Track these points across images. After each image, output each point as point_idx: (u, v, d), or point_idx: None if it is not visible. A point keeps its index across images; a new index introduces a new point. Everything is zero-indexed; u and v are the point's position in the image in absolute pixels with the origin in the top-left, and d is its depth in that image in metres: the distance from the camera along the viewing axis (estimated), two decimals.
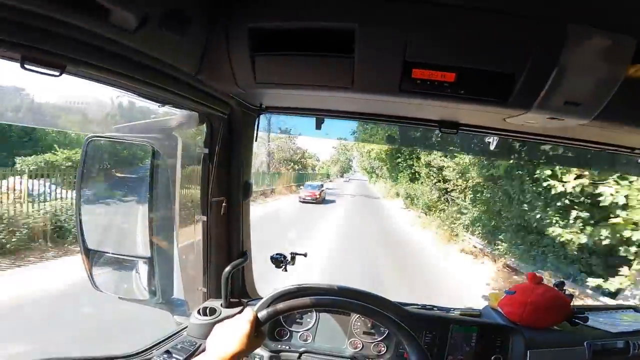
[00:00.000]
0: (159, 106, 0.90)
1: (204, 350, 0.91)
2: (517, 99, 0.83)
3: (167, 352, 1.13)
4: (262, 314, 0.95)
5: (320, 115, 1.22)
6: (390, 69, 0.82)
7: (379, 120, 1.20)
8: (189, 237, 1.22)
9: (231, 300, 1.32)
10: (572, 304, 1.36)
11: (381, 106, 1.10)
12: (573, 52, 0.75)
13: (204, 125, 1.13)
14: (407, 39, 0.78)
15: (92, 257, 1.09)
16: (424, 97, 0.86)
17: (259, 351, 1.30)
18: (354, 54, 0.81)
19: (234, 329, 0.86)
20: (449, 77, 0.81)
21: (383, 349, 1.37)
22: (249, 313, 0.91)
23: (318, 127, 1.22)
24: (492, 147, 1.19)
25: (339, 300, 1.14)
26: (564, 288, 1.37)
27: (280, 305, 1.00)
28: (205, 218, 1.20)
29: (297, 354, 1.32)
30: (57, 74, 0.63)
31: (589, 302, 5.96)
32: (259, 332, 0.92)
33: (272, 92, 1.02)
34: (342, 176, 61.83)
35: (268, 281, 1.60)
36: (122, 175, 1.20)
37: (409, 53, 0.79)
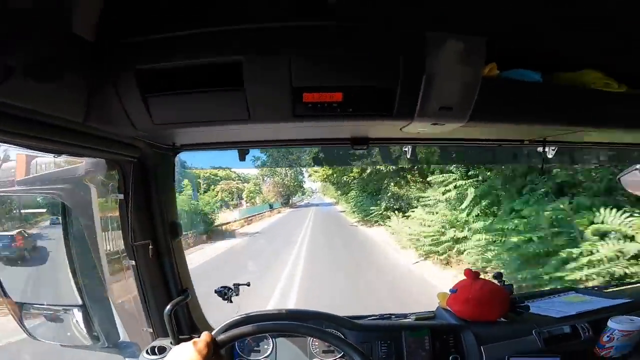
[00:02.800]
0: (54, 157, 0.89)
1: None
2: (400, 110, 0.88)
3: None
4: (220, 338, 0.96)
5: (238, 147, 1.24)
6: (281, 96, 0.85)
7: (297, 145, 1.25)
8: (123, 280, 1.23)
9: (180, 337, 1.32)
10: (512, 294, 1.40)
11: (296, 131, 1.13)
12: (435, 59, 0.81)
13: (114, 170, 1.12)
14: (292, 66, 0.82)
15: (21, 309, 1.09)
16: (317, 120, 0.90)
17: None
18: (244, 86, 0.84)
19: (191, 351, 0.85)
20: (337, 97, 0.85)
21: None
22: (205, 336, 0.90)
23: (242, 158, 1.24)
24: (408, 155, 1.26)
25: (290, 325, 1.14)
26: (502, 279, 1.41)
27: (236, 330, 1.01)
28: (133, 262, 1.19)
29: None
30: None
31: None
32: (217, 356, 0.91)
33: (180, 130, 1.03)
34: (286, 204, 41.06)
35: None
36: (38, 225, 1.21)
37: (296, 79, 0.83)
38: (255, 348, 1.40)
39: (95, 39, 0.79)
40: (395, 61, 0.83)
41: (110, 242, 1.15)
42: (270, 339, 1.40)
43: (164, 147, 1.21)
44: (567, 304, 1.45)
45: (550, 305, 1.47)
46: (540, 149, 1.24)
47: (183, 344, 0.89)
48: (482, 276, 1.41)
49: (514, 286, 1.42)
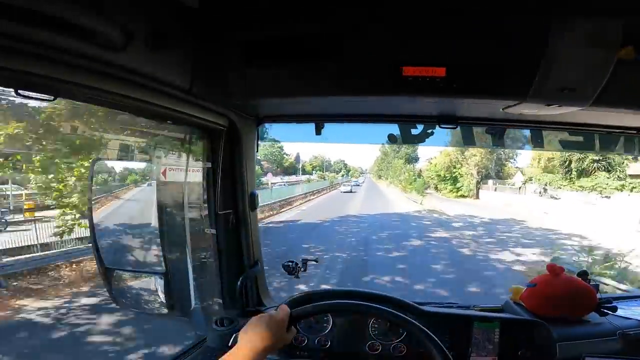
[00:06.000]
0: (155, 123, 0.92)
1: None
2: (511, 89, 0.83)
3: None
4: (295, 312, 0.97)
5: (319, 121, 1.23)
6: (381, 68, 0.82)
7: (379, 121, 1.20)
8: (201, 250, 1.24)
9: (247, 309, 1.34)
10: (598, 293, 1.31)
11: (379, 106, 1.11)
12: (560, 39, 0.75)
13: (205, 139, 1.14)
14: (395, 38, 0.79)
15: (111, 275, 1.13)
16: (416, 95, 0.86)
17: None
18: (344, 57, 0.82)
19: (269, 323, 0.88)
20: (440, 72, 0.81)
21: (403, 349, 1.35)
22: (284, 309, 0.93)
23: (318, 132, 1.23)
24: (495, 139, 1.18)
25: (363, 306, 1.14)
26: (588, 278, 1.31)
27: (311, 306, 1.02)
28: (214, 231, 1.22)
29: None
30: (52, 98, 0.64)
31: None
32: (289, 329, 0.94)
33: (269, 101, 1.04)
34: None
35: None
36: (132, 192, 1.24)
37: (398, 51, 0.80)
38: (314, 325, 1.40)
39: (200, 7, 0.78)
40: (514, 38, 0.77)
41: (197, 210, 1.17)
42: (330, 317, 1.39)
43: (250, 118, 1.22)
44: None
45: (638, 308, 1.36)
46: None
47: (260, 315, 0.91)
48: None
49: None
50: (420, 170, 36.08)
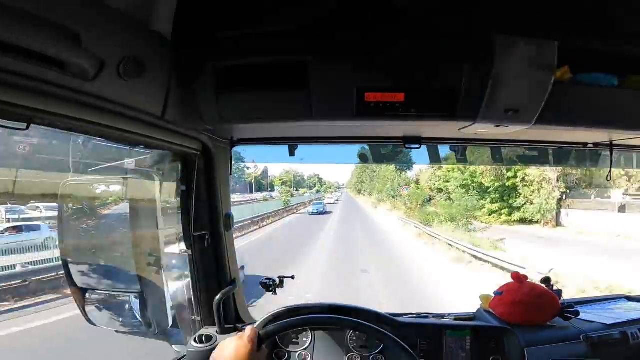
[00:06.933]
0: (129, 149, 0.94)
1: None
2: (462, 112, 0.89)
3: None
4: (263, 332, 0.98)
5: (292, 143, 1.28)
6: (344, 95, 0.88)
7: (349, 142, 1.27)
8: (177, 269, 1.26)
9: (226, 326, 1.35)
10: (561, 298, 1.37)
11: (348, 129, 1.17)
12: (503, 62, 0.81)
13: (180, 162, 1.17)
14: (357, 67, 0.85)
15: (83, 294, 1.14)
16: (379, 119, 0.93)
17: None
18: (310, 85, 0.88)
19: (238, 346, 0.88)
20: (399, 98, 0.88)
21: None
22: (250, 330, 0.93)
23: (291, 153, 1.29)
24: (458, 155, 1.25)
25: (336, 319, 1.17)
26: (551, 284, 1.37)
27: (280, 324, 1.04)
28: (190, 252, 1.24)
29: None
30: (24, 127, 0.64)
31: None
32: (260, 350, 0.94)
33: (242, 125, 1.09)
34: None
35: None
36: (104, 214, 1.26)
37: (360, 79, 0.87)
38: (294, 340, 1.42)
39: (172, 36, 0.83)
40: (462, 63, 0.84)
41: (172, 230, 1.19)
42: (310, 332, 1.41)
43: (223, 141, 1.26)
44: (619, 312, 1.41)
45: (600, 311, 1.43)
46: (603, 152, 1.21)
47: (229, 339, 0.92)
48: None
49: None
50: (418, 181, 25.18)
